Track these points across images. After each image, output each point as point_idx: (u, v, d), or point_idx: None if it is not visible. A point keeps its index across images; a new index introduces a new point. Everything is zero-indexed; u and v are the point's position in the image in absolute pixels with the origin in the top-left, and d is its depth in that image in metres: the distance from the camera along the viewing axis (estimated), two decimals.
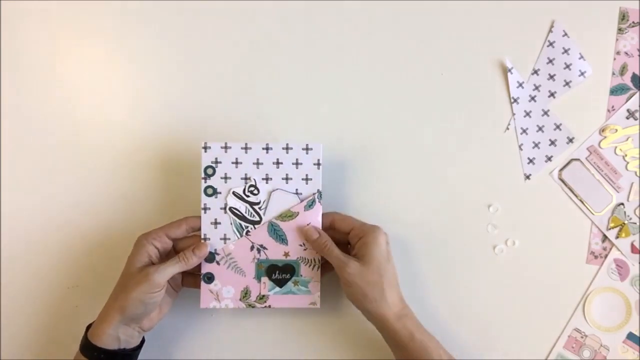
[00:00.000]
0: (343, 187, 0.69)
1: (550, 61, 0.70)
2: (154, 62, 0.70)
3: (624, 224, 0.68)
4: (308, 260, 0.63)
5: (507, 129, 0.70)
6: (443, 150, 0.69)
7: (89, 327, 0.60)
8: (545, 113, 0.70)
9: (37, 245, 0.68)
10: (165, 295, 0.61)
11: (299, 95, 0.70)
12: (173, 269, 0.59)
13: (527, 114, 0.70)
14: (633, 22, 0.70)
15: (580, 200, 0.69)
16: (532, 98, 0.70)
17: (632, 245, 0.68)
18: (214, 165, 0.63)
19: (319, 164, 0.63)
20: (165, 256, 0.62)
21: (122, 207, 0.69)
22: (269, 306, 0.63)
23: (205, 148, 0.63)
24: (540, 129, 0.69)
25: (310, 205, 0.63)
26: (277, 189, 0.63)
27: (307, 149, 0.63)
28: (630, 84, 0.70)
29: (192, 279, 0.63)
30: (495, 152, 0.69)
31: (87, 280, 0.68)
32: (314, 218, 0.63)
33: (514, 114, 0.70)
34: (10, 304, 0.68)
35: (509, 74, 0.69)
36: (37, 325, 0.68)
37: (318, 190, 0.63)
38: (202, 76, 0.70)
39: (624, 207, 0.69)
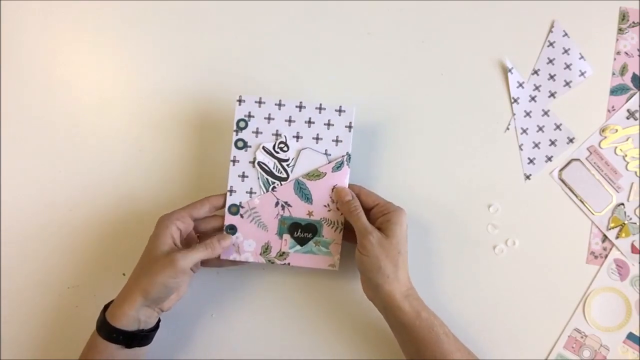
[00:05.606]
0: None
1: (551, 61, 0.70)
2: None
3: (624, 224, 0.68)
4: (331, 221, 0.63)
5: (507, 129, 0.70)
6: (443, 150, 0.69)
7: (105, 308, 0.59)
8: (546, 113, 0.70)
9: (37, 245, 0.68)
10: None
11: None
12: (198, 255, 0.59)
13: (527, 114, 0.70)
14: (633, 22, 0.70)
15: (581, 200, 0.69)
16: (532, 98, 0.70)
17: (632, 245, 0.68)
18: (246, 118, 0.63)
19: (350, 127, 0.63)
20: (186, 237, 0.61)
21: (124, 207, 0.69)
22: (289, 264, 0.64)
23: (240, 101, 0.63)
24: (540, 129, 0.69)
25: (338, 167, 0.63)
26: (306, 148, 0.64)
27: (340, 110, 0.63)
28: (631, 84, 0.70)
29: (212, 260, 0.62)
30: (495, 152, 0.69)
31: (87, 280, 0.68)
32: (341, 180, 0.63)
33: (514, 114, 0.70)
34: (10, 304, 0.68)
35: (509, 74, 0.69)
36: (37, 325, 0.68)
37: (347, 152, 0.63)
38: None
39: (624, 207, 0.68)
